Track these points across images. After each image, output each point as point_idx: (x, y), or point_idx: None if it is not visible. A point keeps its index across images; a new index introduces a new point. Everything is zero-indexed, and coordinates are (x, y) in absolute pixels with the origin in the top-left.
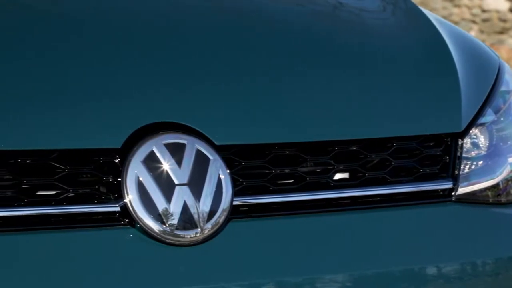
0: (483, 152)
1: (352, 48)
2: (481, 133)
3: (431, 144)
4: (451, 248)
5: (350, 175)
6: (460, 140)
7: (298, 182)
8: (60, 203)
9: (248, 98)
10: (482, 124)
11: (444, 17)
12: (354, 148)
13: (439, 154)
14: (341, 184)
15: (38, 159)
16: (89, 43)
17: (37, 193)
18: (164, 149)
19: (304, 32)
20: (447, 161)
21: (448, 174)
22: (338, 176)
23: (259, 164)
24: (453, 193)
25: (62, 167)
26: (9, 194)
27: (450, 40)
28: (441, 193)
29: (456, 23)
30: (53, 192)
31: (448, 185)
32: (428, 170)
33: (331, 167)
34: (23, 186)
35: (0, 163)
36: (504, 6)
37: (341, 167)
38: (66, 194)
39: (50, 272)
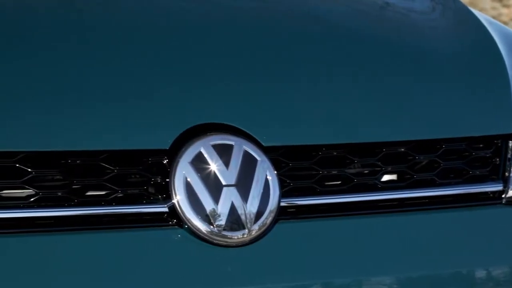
0: None
1: (401, 49)
2: None
3: (481, 146)
4: (500, 251)
5: (398, 177)
6: (510, 141)
7: (345, 183)
8: (109, 203)
9: (295, 99)
10: None
11: (493, 17)
12: (403, 149)
13: (489, 156)
14: (389, 186)
15: (88, 159)
16: (136, 45)
17: (87, 194)
18: (212, 150)
19: (351, 33)
20: (497, 163)
21: (498, 176)
22: (385, 177)
23: (307, 165)
24: (503, 196)
25: (112, 167)
26: (59, 194)
27: (500, 40)
28: (491, 195)
29: (505, 23)
30: (103, 193)
31: (498, 187)
32: (477, 172)
33: (379, 168)
34: (74, 187)
35: (51, 163)
36: None
37: (389, 168)
38: (115, 195)
39: (99, 272)
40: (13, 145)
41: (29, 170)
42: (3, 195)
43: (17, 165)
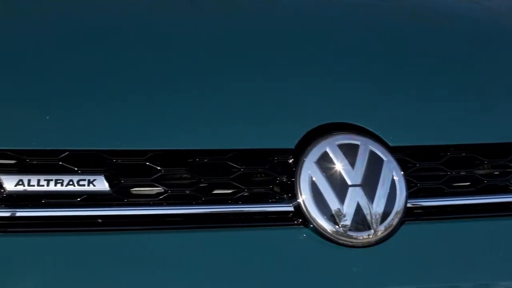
0: None
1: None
2: None
3: None
4: None
5: None
6: None
7: (474, 184)
8: (236, 202)
9: (420, 98)
10: None
11: None
12: None
13: None
14: None
15: (215, 158)
16: (256, 46)
17: (213, 192)
18: (338, 149)
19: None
20: None
21: None
22: None
23: (434, 166)
24: None
25: (238, 166)
26: (187, 192)
27: None
28: None
29: None
30: (229, 191)
31: None
32: None
33: (511, 169)
34: (201, 185)
35: (179, 162)
36: None
37: None
38: (241, 193)
39: (225, 269)
40: (143, 144)
41: (159, 168)
42: (134, 192)
43: (147, 163)
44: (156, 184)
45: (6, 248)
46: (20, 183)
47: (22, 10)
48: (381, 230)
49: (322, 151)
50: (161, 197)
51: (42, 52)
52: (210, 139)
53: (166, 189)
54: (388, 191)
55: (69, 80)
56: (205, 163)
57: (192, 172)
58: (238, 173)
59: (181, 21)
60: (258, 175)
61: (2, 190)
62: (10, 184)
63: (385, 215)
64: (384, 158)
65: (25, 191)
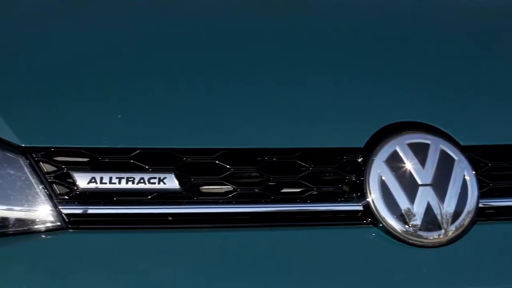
0: None
1: None
2: None
3: None
4: None
5: None
6: None
7: None
8: (304, 200)
9: (491, 97)
10: None
11: None
12: None
13: None
14: None
15: (284, 157)
16: (322, 45)
17: (282, 191)
18: (407, 149)
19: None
20: None
21: None
22: None
23: (507, 165)
24: None
25: (307, 165)
26: (256, 191)
27: None
28: None
29: None
30: (298, 190)
31: None
32: None
33: None
34: (270, 184)
35: (248, 160)
36: None
37: None
38: (310, 192)
39: (292, 267)
40: (213, 143)
41: (228, 166)
42: (203, 190)
43: (217, 161)
44: (225, 183)
45: (78, 244)
46: (93, 180)
47: (92, 13)
48: (452, 230)
49: (391, 150)
50: (230, 195)
51: (114, 53)
52: (279, 138)
53: (235, 187)
54: (459, 190)
55: (140, 79)
56: (274, 162)
57: (261, 170)
58: (306, 172)
59: (241, 20)
60: (327, 174)
61: (75, 188)
62: (83, 181)
63: (456, 215)
64: (455, 158)
65: (97, 188)
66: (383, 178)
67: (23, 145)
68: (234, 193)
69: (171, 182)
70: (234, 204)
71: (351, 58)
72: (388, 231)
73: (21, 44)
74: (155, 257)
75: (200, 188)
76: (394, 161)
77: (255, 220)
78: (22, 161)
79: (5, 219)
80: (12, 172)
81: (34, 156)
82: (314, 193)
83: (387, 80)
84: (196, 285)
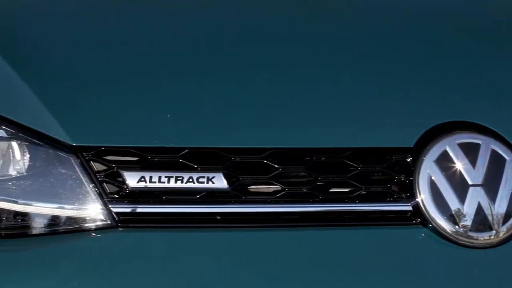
0: None
1: None
2: None
3: None
4: None
5: None
6: None
7: None
8: (352, 200)
9: None
10: None
11: None
12: None
13: None
14: None
15: (332, 157)
16: (373, 44)
17: (330, 190)
18: (458, 148)
19: None
20: None
21: None
22: None
23: None
24: None
25: (355, 165)
26: (304, 190)
27: None
28: None
29: None
30: (346, 190)
31: None
32: None
33: None
34: (318, 183)
35: (297, 160)
36: None
37: None
38: (358, 192)
39: (342, 267)
40: (261, 142)
41: (276, 166)
42: (251, 190)
43: (265, 161)
44: (274, 182)
45: (128, 243)
46: (142, 179)
47: (141, 15)
48: (503, 231)
49: (441, 150)
50: (278, 195)
51: (163, 54)
52: (328, 137)
53: (283, 187)
54: (511, 191)
55: (189, 79)
56: (322, 162)
57: (309, 170)
58: (355, 171)
59: (284, 19)
60: (376, 174)
61: (125, 187)
62: (132, 180)
63: (507, 216)
64: (507, 158)
65: (146, 187)
66: (432, 178)
67: (74, 144)
68: (282, 193)
69: (220, 182)
70: (282, 203)
71: (402, 59)
72: (437, 232)
73: (73, 44)
74: (203, 256)
75: (248, 187)
76: (444, 161)
77: (303, 219)
78: (73, 160)
79: (56, 218)
80: (63, 171)
81: (85, 155)
82: (363, 193)
83: (437, 80)
84: (244, 284)
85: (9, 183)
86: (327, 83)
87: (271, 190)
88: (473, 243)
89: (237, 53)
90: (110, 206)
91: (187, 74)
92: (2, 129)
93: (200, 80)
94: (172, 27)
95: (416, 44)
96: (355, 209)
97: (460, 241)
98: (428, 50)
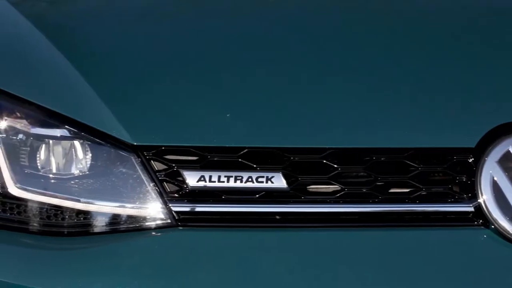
0: None
1: None
2: None
3: None
4: None
5: None
6: None
7: None
8: (413, 201)
9: None
10: None
11: None
12: None
13: None
14: None
15: (392, 157)
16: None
17: (390, 191)
18: None
19: None
20: None
21: None
22: None
23: None
24: None
25: (416, 165)
26: (364, 190)
27: None
28: None
29: None
30: (406, 190)
31: None
32: None
33: None
34: (378, 183)
35: (356, 160)
36: None
37: None
38: (419, 193)
39: (401, 268)
40: (320, 142)
41: (335, 166)
42: (310, 190)
43: (324, 161)
44: (333, 182)
45: (188, 241)
46: (202, 179)
47: (196, 15)
48: None
49: (504, 150)
50: (337, 195)
51: (223, 54)
52: (388, 137)
53: (343, 187)
54: None
55: (248, 79)
56: (382, 162)
57: (369, 170)
58: (416, 172)
59: (357, 22)
60: (436, 174)
61: (185, 186)
62: (192, 180)
63: None
64: None
65: (205, 186)
66: (495, 178)
67: (135, 143)
68: (342, 193)
69: (279, 181)
70: (341, 203)
71: (464, 57)
72: (500, 233)
73: (134, 44)
74: (263, 255)
75: (308, 187)
76: (507, 162)
77: (363, 220)
78: (134, 159)
79: (117, 216)
80: (124, 170)
81: (146, 154)
82: (423, 193)
83: (500, 79)
84: (303, 284)
85: (72, 182)
86: (387, 84)
87: (330, 190)
88: None
89: (298, 52)
90: (170, 205)
91: (246, 74)
92: (65, 128)
93: (259, 79)
94: (230, 25)
95: (480, 42)
96: (416, 210)
97: None
98: (492, 48)
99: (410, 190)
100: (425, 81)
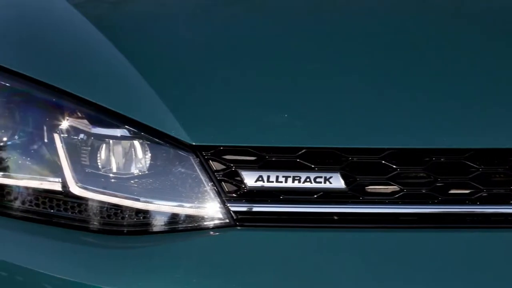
0: None
1: None
2: None
3: None
4: None
5: None
6: None
7: None
8: (473, 202)
9: None
10: None
11: None
12: None
13: None
14: None
15: (452, 157)
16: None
17: (450, 192)
18: None
19: None
20: None
21: None
22: None
23: None
24: None
25: (476, 166)
26: (423, 191)
27: None
28: None
29: None
30: (467, 191)
31: None
32: None
33: None
34: (437, 184)
35: (415, 161)
36: None
37: None
38: (480, 194)
39: (457, 270)
40: (379, 142)
41: (394, 166)
42: (369, 190)
43: (383, 161)
44: (391, 183)
45: (246, 241)
46: (260, 179)
47: (245, 16)
48: None
49: None
50: (396, 195)
51: (280, 56)
52: (448, 138)
53: (402, 187)
54: None
55: (305, 80)
56: (441, 162)
57: (428, 171)
58: (476, 173)
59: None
60: (497, 175)
61: (243, 186)
62: (250, 180)
63: None
64: None
65: (263, 187)
66: None
67: (193, 143)
68: (401, 194)
69: (337, 182)
70: (400, 204)
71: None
72: None
73: (192, 45)
74: (321, 256)
75: (366, 188)
76: None
77: (422, 221)
78: (192, 159)
79: (176, 215)
80: (183, 170)
81: (204, 154)
82: (484, 194)
83: None
84: (361, 285)
85: (131, 181)
86: (447, 83)
87: (389, 191)
88: None
89: (357, 53)
90: (228, 204)
91: (303, 75)
92: (125, 128)
93: (317, 80)
94: (288, 25)
95: None
96: (477, 211)
97: None
98: None
99: (471, 191)
100: (485, 81)
